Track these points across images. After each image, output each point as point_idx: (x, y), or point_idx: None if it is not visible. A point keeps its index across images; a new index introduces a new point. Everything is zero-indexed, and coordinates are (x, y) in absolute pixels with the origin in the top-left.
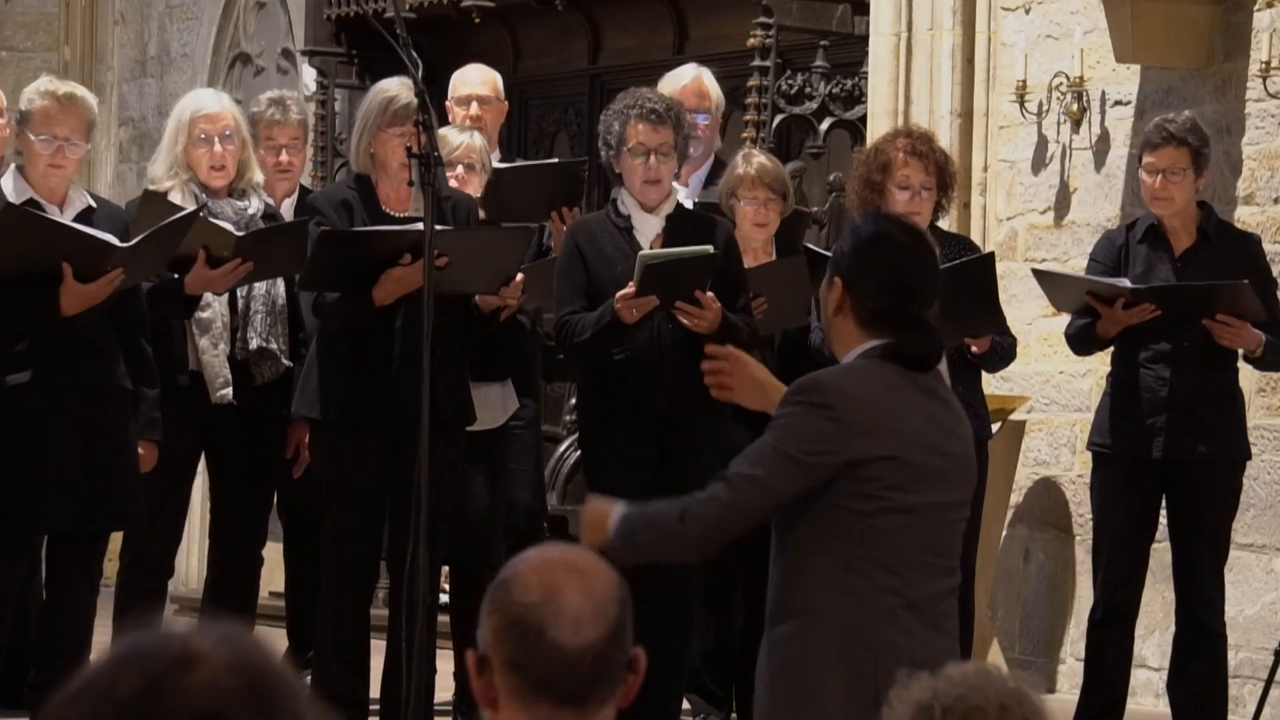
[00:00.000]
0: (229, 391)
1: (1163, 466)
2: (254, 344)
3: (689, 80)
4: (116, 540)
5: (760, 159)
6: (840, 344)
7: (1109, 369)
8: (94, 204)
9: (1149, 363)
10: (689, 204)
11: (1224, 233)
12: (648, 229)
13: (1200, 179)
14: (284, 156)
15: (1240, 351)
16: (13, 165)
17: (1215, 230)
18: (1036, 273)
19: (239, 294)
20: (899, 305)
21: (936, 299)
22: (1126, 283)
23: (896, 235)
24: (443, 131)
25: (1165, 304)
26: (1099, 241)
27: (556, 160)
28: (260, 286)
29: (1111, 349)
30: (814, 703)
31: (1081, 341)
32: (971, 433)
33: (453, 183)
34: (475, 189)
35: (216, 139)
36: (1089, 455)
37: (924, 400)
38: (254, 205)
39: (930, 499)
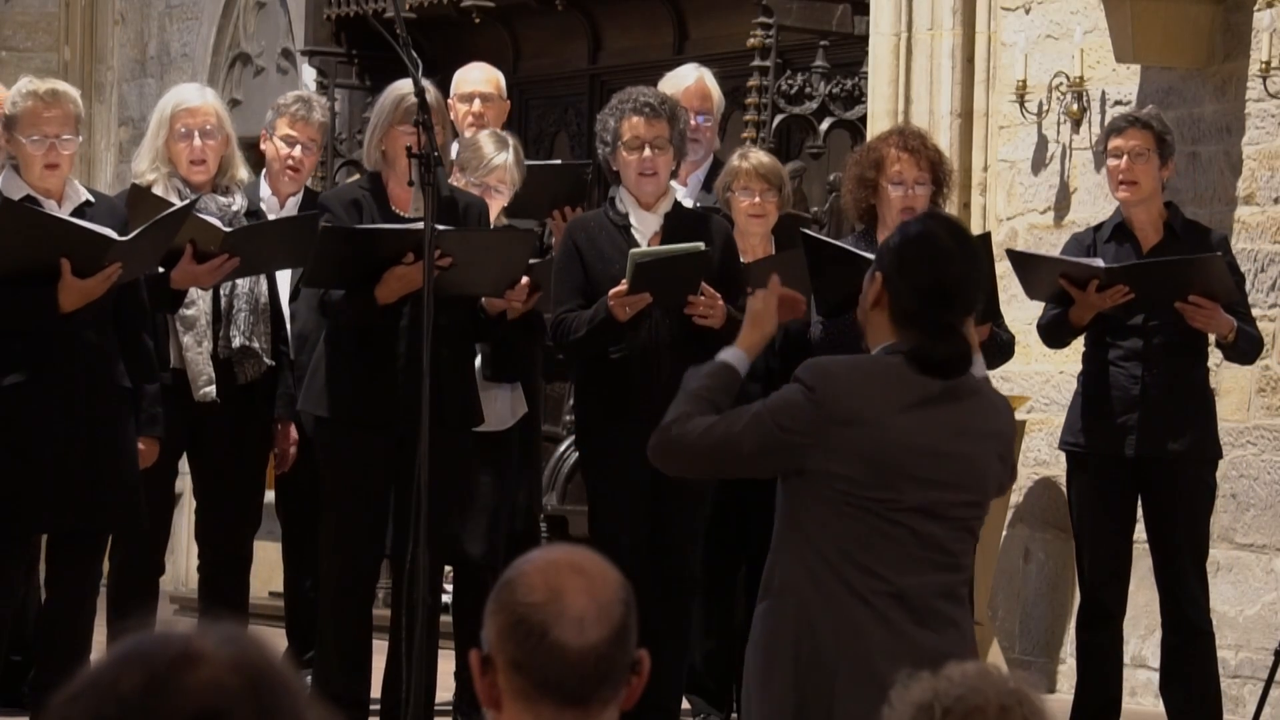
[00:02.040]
0: (212, 390)
1: (1136, 464)
2: (237, 342)
3: (692, 82)
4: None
5: (756, 153)
6: (873, 336)
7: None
8: (91, 198)
9: (1120, 360)
10: (688, 203)
11: (1191, 230)
12: (646, 227)
13: (1165, 169)
14: (297, 151)
15: (1212, 341)
16: (8, 166)
17: (1183, 228)
18: (1011, 254)
19: (222, 292)
20: (933, 310)
21: (976, 307)
22: (1100, 263)
23: (942, 238)
24: (480, 140)
25: (1139, 284)
26: (1067, 243)
27: (560, 161)
28: (244, 285)
29: (1083, 347)
30: (771, 681)
31: (1054, 331)
32: (1002, 426)
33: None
34: (499, 205)
35: (197, 133)
36: None
37: (930, 402)
38: (238, 202)
39: (918, 498)
